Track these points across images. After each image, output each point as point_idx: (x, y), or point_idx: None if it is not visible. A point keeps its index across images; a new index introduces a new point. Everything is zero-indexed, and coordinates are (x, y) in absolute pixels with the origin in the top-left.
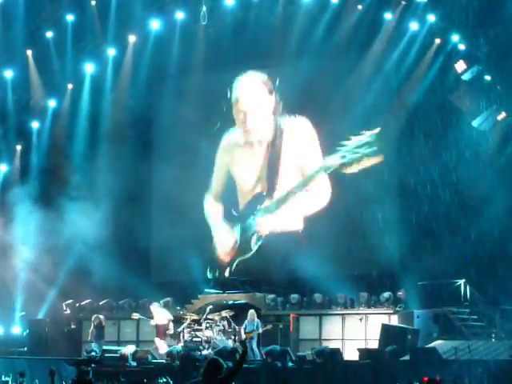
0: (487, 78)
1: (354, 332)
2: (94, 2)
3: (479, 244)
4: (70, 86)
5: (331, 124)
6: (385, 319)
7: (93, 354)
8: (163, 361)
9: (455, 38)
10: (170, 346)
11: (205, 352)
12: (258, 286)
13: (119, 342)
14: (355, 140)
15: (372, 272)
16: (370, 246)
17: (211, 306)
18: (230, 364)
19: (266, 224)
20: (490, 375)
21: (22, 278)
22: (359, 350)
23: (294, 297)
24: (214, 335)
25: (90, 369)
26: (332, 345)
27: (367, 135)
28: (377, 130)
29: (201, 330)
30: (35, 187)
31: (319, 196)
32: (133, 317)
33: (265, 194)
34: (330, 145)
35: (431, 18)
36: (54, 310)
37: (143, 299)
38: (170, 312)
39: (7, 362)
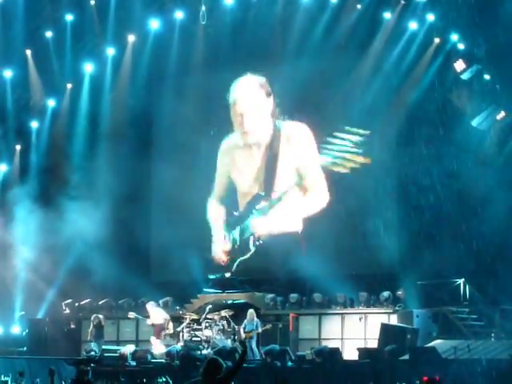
0: (486, 77)
1: (354, 331)
2: (93, 2)
3: (479, 243)
4: (69, 86)
5: (330, 124)
6: (384, 319)
7: (92, 353)
8: (162, 360)
9: (454, 37)
10: (168, 345)
11: (204, 352)
12: (257, 286)
13: (118, 342)
14: (343, 138)
15: (371, 272)
16: (370, 245)
17: (211, 306)
18: (230, 363)
19: (262, 225)
20: (489, 375)
21: (22, 277)
22: (359, 349)
23: (294, 296)
24: (213, 335)
25: (89, 368)
26: (331, 344)
27: (356, 135)
28: (367, 132)
29: (200, 329)
30: (35, 187)
31: (318, 198)
32: (129, 316)
33: (263, 195)
34: (328, 145)
35: (430, 17)
36: (54, 310)
37: (142, 299)
38: (169, 312)
39: (7, 361)
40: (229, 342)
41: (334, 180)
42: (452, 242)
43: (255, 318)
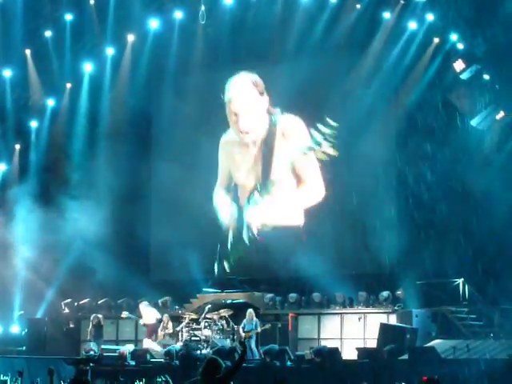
0: (486, 77)
1: (353, 331)
2: (92, 2)
3: (478, 243)
4: (68, 86)
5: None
6: (383, 318)
7: (91, 353)
8: (162, 360)
9: (454, 37)
10: (167, 344)
11: (204, 351)
12: (256, 285)
13: (118, 341)
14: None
15: (371, 271)
16: (369, 245)
17: (210, 306)
18: (229, 363)
19: (255, 216)
20: (488, 374)
21: (21, 276)
22: (358, 349)
23: (293, 296)
24: (212, 334)
25: (88, 368)
26: (330, 344)
27: (328, 127)
28: (334, 124)
29: (199, 329)
30: (34, 186)
31: (313, 190)
32: (122, 316)
33: (258, 188)
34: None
35: (430, 17)
36: (53, 309)
37: (142, 298)
38: (169, 311)
39: (6, 361)
40: (228, 342)
41: (334, 180)
42: (451, 242)
43: (254, 318)
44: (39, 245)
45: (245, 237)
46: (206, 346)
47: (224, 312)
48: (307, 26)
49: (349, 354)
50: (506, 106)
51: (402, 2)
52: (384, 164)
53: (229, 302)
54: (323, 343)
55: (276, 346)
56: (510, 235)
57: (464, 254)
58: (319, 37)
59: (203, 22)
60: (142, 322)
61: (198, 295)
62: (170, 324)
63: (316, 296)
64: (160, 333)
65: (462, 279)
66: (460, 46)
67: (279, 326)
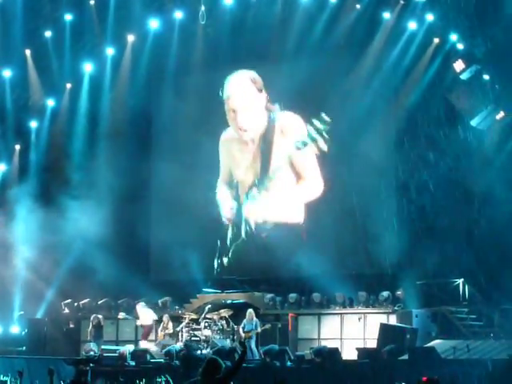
0: (486, 77)
1: (353, 331)
2: (92, 2)
3: (478, 243)
4: (68, 86)
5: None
6: (383, 318)
7: (91, 353)
8: (162, 360)
9: (454, 37)
10: (168, 345)
11: (204, 351)
12: (256, 285)
13: (118, 342)
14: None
15: (371, 271)
16: (369, 245)
17: (210, 306)
18: (229, 363)
19: (253, 211)
20: (488, 375)
21: (21, 277)
22: (358, 349)
23: (293, 296)
24: (212, 334)
25: (88, 368)
26: (330, 344)
27: (322, 122)
28: (328, 119)
29: (199, 329)
30: (34, 186)
31: (311, 186)
32: (119, 316)
33: (257, 184)
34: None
35: (430, 17)
36: (53, 310)
37: (141, 299)
38: (169, 311)
39: (6, 361)
40: (228, 342)
41: (334, 179)
42: (451, 242)
43: (254, 318)
44: (39, 245)
45: (243, 232)
46: (205, 346)
47: (224, 312)
48: (307, 26)
49: (349, 354)
50: (506, 106)
51: (402, 2)
52: (384, 164)
53: (229, 302)
54: (323, 343)
55: (276, 346)
56: (510, 235)
57: (464, 254)
58: (319, 37)
59: (203, 22)
60: (138, 322)
61: (197, 295)
62: (170, 324)
63: (316, 296)
64: (160, 333)
65: (462, 279)
66: (460, 46)
67: (279, 326)
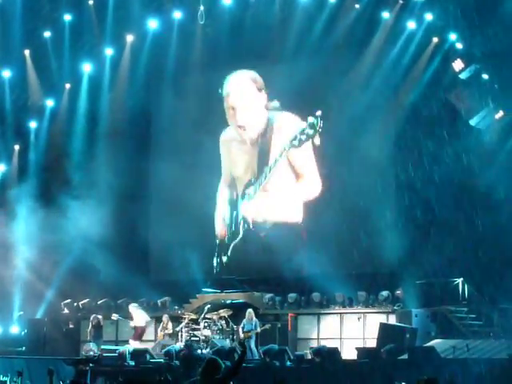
0: (485, 76)
1: (352, 331)
2: (91, 2)
3: (478, 243)
4: (67, 86)
5: (329, 123)
6: (383, 318)
7: (91, 353)
8: (161, 360)
9: (453, 36)
10: (167, 345)
11: (204, 351)
12: (255, 285)
13: (117, 342)
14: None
15: (370, 271)
16: (369, 245)
17: (209, 306)
18: (228, 363)
19: (250, 209)
20: (488, 374)
21: (21, 277)
22: (357, 349)
23: (292, 296)
24: (212, 334)
25: (88, 368)
26: (330, 344)
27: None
28: (318, 113)
29: (199, 329)
30: (34, 186)
31: (310, 184)
32: (112, 317)
33: (253, 181)
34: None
35: (429, 16)
36: (53, 310)
37: (142, 299)
38: (168, 311)
39: (5, 361)
40: (227, 342)
41: (334, 179)
42: (451, 242)
43: (254, 318)
44: (39, 245)
45: (240, 230)
46: (205, 346)
47: (223, 312)
48: (306, 26)
49: (348, 353)
50: (505, 106)
51: (401, 1)
52: (383, 163)
53: (228, 302)
54: (323, 343)
55: (275, 346)
56: (510, 235)
57: (463, 254)
58: (318, 37)
59: (202, 22)
60: (132, 324)
61: (197, 295)
62: (170, 324)
63: (315, 296)
64: (160, 333)
65: (462, 279)
66: (459, 46)
67: (279, 326)
